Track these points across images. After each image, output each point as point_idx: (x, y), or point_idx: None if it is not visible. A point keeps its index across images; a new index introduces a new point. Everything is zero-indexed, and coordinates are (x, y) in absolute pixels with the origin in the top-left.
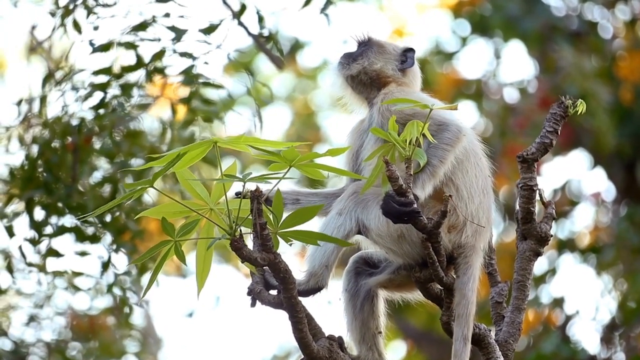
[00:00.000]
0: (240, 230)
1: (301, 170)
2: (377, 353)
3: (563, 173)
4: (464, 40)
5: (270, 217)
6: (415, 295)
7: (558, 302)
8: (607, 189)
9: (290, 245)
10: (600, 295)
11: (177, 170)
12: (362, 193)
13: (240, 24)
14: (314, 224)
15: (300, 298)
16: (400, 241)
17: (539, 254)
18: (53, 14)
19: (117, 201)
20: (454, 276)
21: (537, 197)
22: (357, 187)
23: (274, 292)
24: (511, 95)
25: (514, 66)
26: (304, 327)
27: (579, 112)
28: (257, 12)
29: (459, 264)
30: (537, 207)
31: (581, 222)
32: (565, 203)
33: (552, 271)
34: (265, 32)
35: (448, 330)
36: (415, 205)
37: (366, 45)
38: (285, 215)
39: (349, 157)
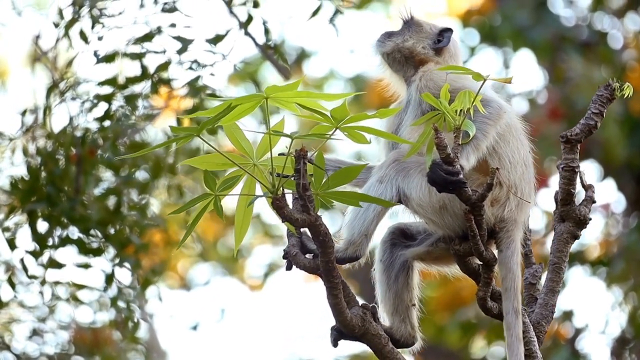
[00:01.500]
0: (283, 189)
1: (346, 133)
2: (409, 325)
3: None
4: (472, 50)
5: (312, 178)
6: (452, 269)
7: (567, 316)
8: (617, 201)
9: (332, 206)
10: (610, 308)
11: (225, 122)
12: (406, 159)
13: (247, 34)
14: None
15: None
16: (442, 212)
17: (576, 237)
18: (57, 25)
19: (162, 144)
20: (493, 251)
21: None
22: (399, 154)
23: (309, 256)
24: (520, 106)
25: (523, 76)
26: (339, 293)
27: (625, 95)
28: (264, 23)
29: (501, 238)
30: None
31: (591, 234)
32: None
33: (562, 284)
34: (272, 42)
35: (484, 307)
36: (461, 175)
37: (407, 24)
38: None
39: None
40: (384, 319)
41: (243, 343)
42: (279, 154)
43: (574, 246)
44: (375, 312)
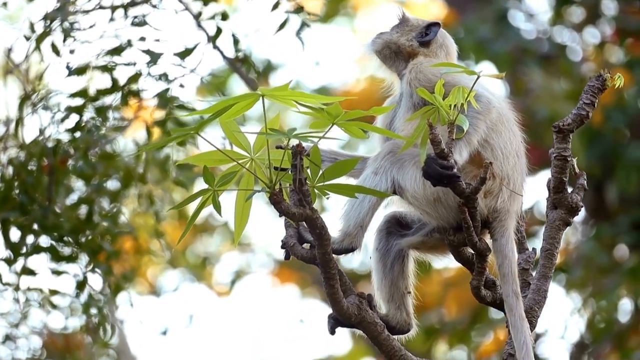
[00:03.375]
0: (280, 184)
1: (343, 128)
2: (405, 312)
3: (532, 193)
4: None
5: (308, 171)
6: (446, 258)
7: None
8: None
9: (328, 198)
10: (569, 314)
11: (223, 120)
12: (401, 152)
13: (216, 47)
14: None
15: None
16: (436, 204)
17: (568, 224)
18: (28, 38)
19: (165, 141)
20: (487, 242)
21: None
22: (393, 146)
23: (306, 246)
24: None
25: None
26: (335, 283)
27: (616, 86)
28: (233, 36)
29: (494, 228)
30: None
31: None
32: (534, 223)
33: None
34: (241, 55)
35: (478, 295)
36: (455, 170)
37: (397, 23)
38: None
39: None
40: (380, 306)
41: (211, 348)
42: (277, 147)
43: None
44: (371, 301)
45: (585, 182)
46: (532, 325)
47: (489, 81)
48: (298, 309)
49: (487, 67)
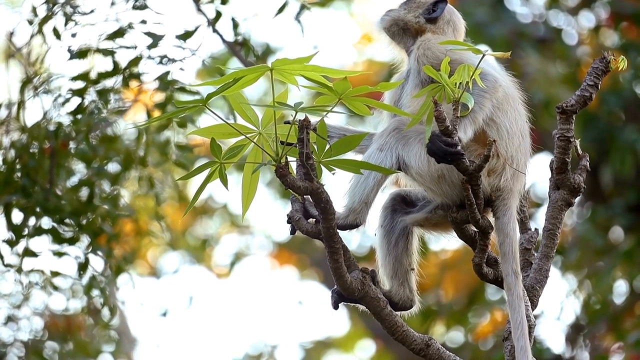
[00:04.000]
0: (286, 157)
1: (348, 104)
2: (408, 289)
3: (529, 176)
4: None
5: (315, 146)
6: (449, 235)
7: None
8: None
9: (333, 174)
10: (565, 295)
11: (230, 93)
12: (407, 129)
13: (215, 31)
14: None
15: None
16: (440, 181)
17: (570, 204)
18: (31, 22)
19: (170, 115)
20: (489, 219)
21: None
22: (399, 123)
23: (311, 220)
24: None
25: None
26: (339, 258)
27: (620, 68)
28: (232, 19)
29: (497, 206)
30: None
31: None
32: (530, 205)
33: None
34: (240, 39)
35: (479, 272)
36: (459, 147)
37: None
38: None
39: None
40: (384, 282)
41: (211, 329)
42: (285, 122)
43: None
44: (374, 276)
45: (588, 163)
46: (534, 304)
47: (494, 60)
48: (297, 291)
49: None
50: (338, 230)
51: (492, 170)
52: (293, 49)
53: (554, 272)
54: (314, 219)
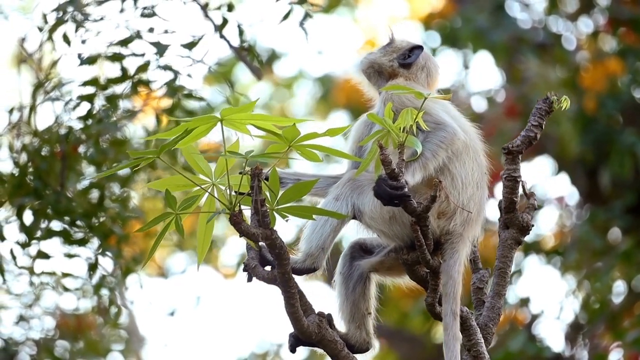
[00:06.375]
0: (240, 205)
1: (299, 152)
2: (365, 332)
3: (528, 178)
4: (434, 51)
5: (267, 194)
6: (405, 280)
7: (524, 302)
8: (571, 194)
9: (287, 220)
10: (564, 295)
11: (182, 145)
12: (357, 176)
13: (222, 36)
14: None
15: (294, 276)
16: (391, 222)
17: (519, 243)
18: (41, 29)
19: (123, 166)
20: (440, 260)
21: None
22: (353, 174)
23: (268, 268)
24: (479, 104)
25: (482, 76)
26: (295, 302)
27: (563, 108)
28: (238, 26)
29: (445, 249)
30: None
31: (546, 225)
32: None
33: (518, 272)
34: (246, 45)
35: (432, 312)
36: (406, 189)
37: (386, 43)
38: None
39: (355, 146)
40: (341, 326)
41: (218, 328)
42: (239, 172)
43: (531, 236)
44: (331, 320)
45: (536, 202)
46: (487, 342)
47: (456, 111)
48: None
49: (484, 56)
50: (295, 275)
51: (442, 212)
52: (297, 54)
53: (554, 273)
54: (271, 266)
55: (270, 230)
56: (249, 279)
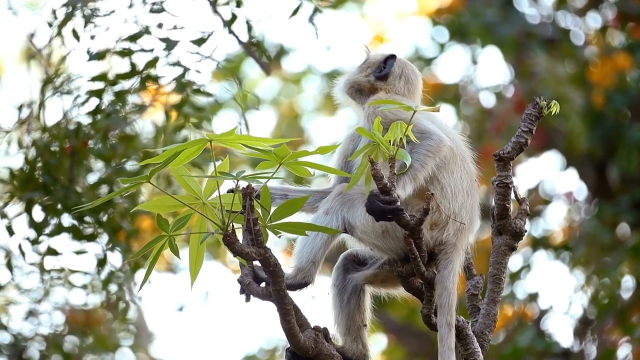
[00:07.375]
0: (233, 225)
1: (290, 168)
2: (361, 344)
3: (537, 173)
4: (442, 47)
5: (260, 211)
6: (400, 291)
7: (533, 297)
8: (579, 189)
9: (279, 237)
10: (573, 290)
11: (173, 167)
12: (347, 191)
13: (231, 32)
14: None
15: (287, 291)
16: (385, 236)
17: (513, 249)
18: (50, 24)
19: (113, 194)
20: (435, 271)
21: (512, 195)
22: (344, 187)
23: (262, 284)
24: (488, 100)
25: (490, 71)
26: (291, 319)
27: (552, 113)
28: (247, 22)
29: (439, 260)
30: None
31: (554, 220)
32: (539, 202)
33: (527, 267)
34: (254, 40)
35: (429, 323)
36: (398, 203)
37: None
38: (273, 209)
39: (341, 161)
40: (337, 339)
41: (226, 323)
42: (228, 191)
43: (539, 232)
44: (327, 334)
45: (528, 207)
46: (484, 349)
47: (441, 119)
48: (311, 286)
49: (493, 52)
50: (288, 291)
51: (434, 223)
52: (306, 49)
53: (562, 268)
54: (264, 282)
55: (264, 249)
56: (247, 299)
